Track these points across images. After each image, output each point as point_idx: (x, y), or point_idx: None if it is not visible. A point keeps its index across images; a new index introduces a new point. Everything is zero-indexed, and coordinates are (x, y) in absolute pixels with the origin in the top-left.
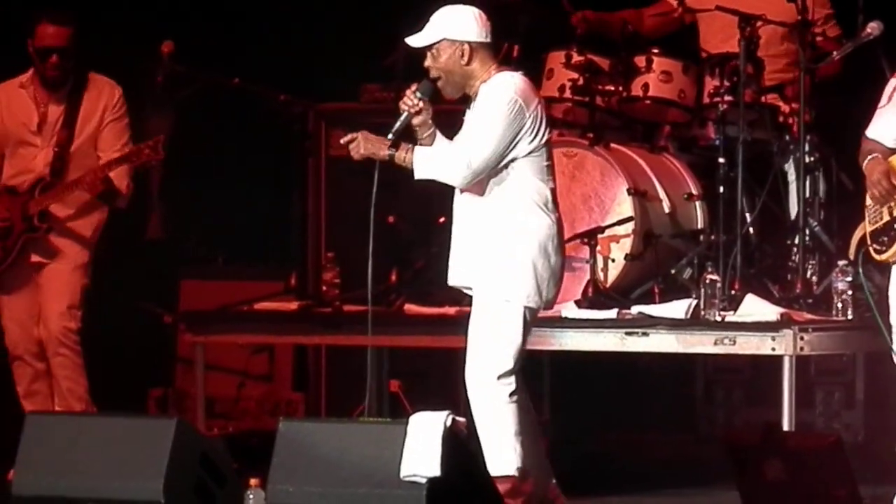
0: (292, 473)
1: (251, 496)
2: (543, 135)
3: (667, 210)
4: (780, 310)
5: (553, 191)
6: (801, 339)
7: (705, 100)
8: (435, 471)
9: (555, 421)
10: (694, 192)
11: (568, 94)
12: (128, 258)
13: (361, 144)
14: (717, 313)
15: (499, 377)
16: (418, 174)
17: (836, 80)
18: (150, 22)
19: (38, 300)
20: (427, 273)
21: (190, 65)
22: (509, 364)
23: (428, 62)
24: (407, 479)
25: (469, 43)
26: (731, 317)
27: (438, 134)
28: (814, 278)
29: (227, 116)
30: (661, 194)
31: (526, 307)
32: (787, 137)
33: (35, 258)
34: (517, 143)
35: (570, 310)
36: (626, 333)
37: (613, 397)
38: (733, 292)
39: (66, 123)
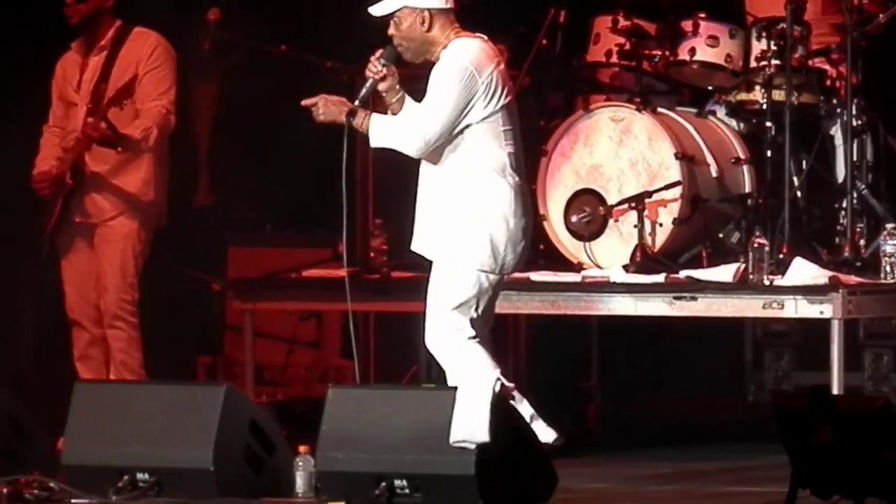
0: (341, 440)
1: (300, 463)
2: (499, 100)
3: (714, 174)
4: (829, 273)
5: (511, 155)
6: (850, 302)
7: (752, 64)
8: (484, 436)
9: (603, 386)
10: (741, 156)
11: (615, 58)
12: (175, 225)
13: (321, 109)
14: (765, 277)
15: (459, 338)
16: (373, 142)
17: (882, 42)
18: None
19: (96, 265)
20: None
21: (236, 32)
22: (466, 328)
23: (391, 30)
24: (456, 444)
25: (429, 9)
26: (779, 281)
27: (408, 99)
28: (862, 241)
29: (273, 84)
30: (709, 158)
31: (480, 271)
32: (835, 101)
33: (78, 219)
34: (470, 109)
35: (618, 274)
36: (675, 298)
37: (661, 362)
38: (781, 256)
39: (102, 78)
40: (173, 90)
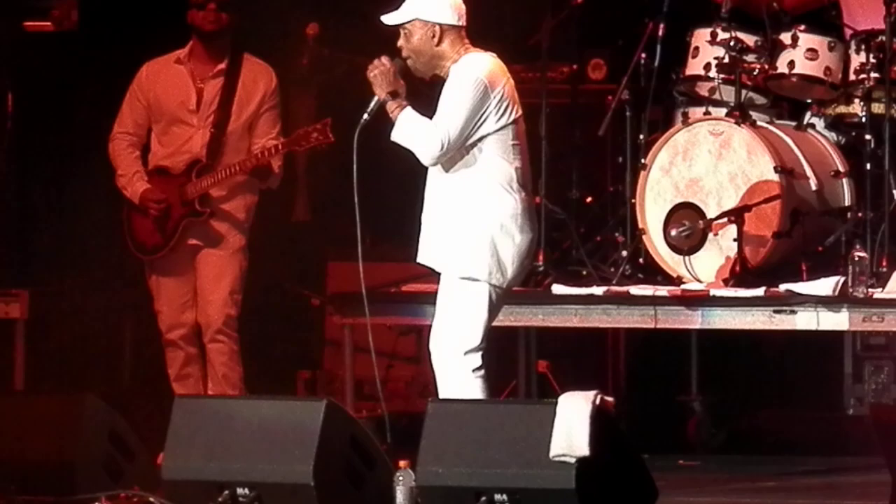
0: (441, 454)
1: (401, 478)
2: (510, 115)
3: (814, 187)
4: None
5: (518, 170)
6: None
7: (851, 77)
8: (584, 450)
9: (702, 399)
10: (841, 169)
11: (714, 72)
12: (275, 241)
13: (377, 71)
14: (865, 290)
15: (464, 353)
16: (395, 136)
17: None
18: (295, 4)
19: (194, 285)
20: (575, 253)
21: (334, 46)
22: (475, 341)
23: (400, 41)
24: (556, 458)
25: (440, 24)
26: (879, 294)
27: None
28: None
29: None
30: (808, 172)
31: (489, 284)
32: None
33: (193, 241)
34: (482, 122)
35: (717, 288)
36: (774, 311)
37: (761, 375)
38: (881, 269)
39: (223, 104)
40: (282, 127)
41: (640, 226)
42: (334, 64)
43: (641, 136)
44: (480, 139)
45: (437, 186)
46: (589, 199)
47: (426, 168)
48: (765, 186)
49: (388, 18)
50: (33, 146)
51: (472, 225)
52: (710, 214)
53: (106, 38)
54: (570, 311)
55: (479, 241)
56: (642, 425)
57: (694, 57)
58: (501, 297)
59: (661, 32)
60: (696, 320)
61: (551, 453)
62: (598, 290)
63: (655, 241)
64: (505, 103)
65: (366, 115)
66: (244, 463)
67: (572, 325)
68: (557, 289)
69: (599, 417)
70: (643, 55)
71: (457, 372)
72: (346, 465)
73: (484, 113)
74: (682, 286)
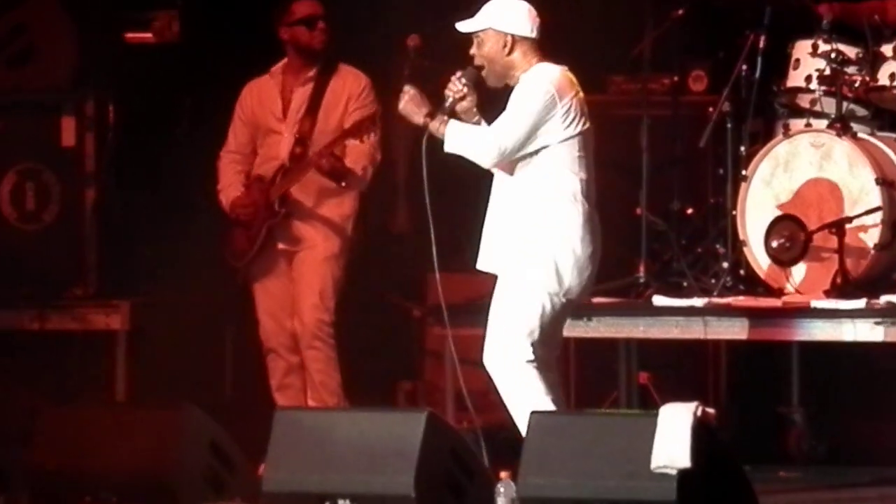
0: (542, 466)
1: (502, 489)
2: (577, 126)
3: None
4: None
5: (584, 181)
6: None
7: None
8: (685, 462)
9: (803, 411)
10: None
11: (815, 83)
12: (376, 251)
13: (405, 101)
14: None
15: (517, 353)
16: (448, 147)
17: None
18: (396, 15)
19: (291, 292)
20: (676, 264)
21: (436, 58)
22: (527, 351)
23: (473, 49)
24: (657, 470)
25: (513, 35)
26: None
27: (483, 123)
28: None
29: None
30: None
31: (544, 293)
32: None
33: (281, 245)
34: (548, 130)
35: (818, 300)
36: (875, 323)
37: (862, 386)
38: None
39: (310, 110)
40: (379, 127)
41: (741, 237)
42: (435, 75)
43: (742, 148)
44: (545, 148)
45: (502, 194)
46: (690, 211)
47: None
48: (866, 198)
49: (463, 26)
50: (135, 157)
51: (533, 233)
52: (811, 226)
53: (207, 49)
54: (671, 322)
55: (540, 249)
56: (743, 437)
57: (795, 69)
58: (562, 308)
59: (762, 44)
60: (797, 332)
61: (652, 465)
62: (698, 302)
63: (756, 253)
64: (572, 114)
65: (424, 141)
66: (345, 475)
67: (673, 337)
68: (658, 300)
69: (700, 429)
70: (744, 67)
71: (511, 368)
72: (446, 476)
73: (549, 122)
74: (783, 298)
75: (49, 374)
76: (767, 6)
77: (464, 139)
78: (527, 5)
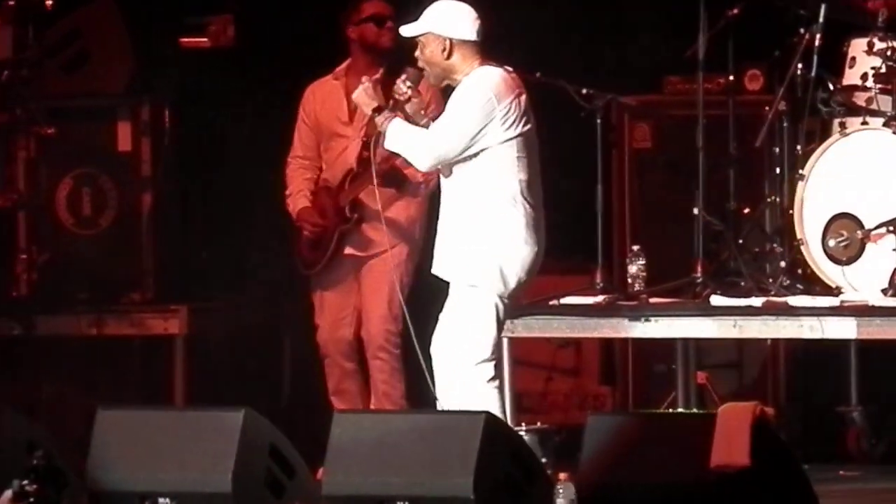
0: (601, 467)
1: (561, 490)
2: (517, 128)
3: None
4: None
5: (523, 182)
6: None
7: None
8: (744, 461)
9: (862, 409)
10: None
11: (871, 81)
12: (429, 256)
13: (359, 91)
14: None
15: (477, 364)
16: (388, 145)
17: None
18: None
19: (356, 298)
20: (733, 264)
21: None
22: (486, 352)
23: (417, 52)
24: (717, 468)
25: (451, 39)
26: None
27: (433, 125)
28: None
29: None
30: None
31: (495, 295)
32: None
33: (349, 251)
34: (485, 132)
35: (876, 298)
36: None
37: None
38: None
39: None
40: None
41: (798, 236)
42: None
43: (798, 147)
44: (484, 150)
45: (446, 198)
46: (746, 210)
47: (581, 179)
48: None
49: (406, 30)
50: (192, 162)
51: (476, 236)
52: (869, 225)
53: (263, 54)
54: (728, 322)
55: (484, 252)
56: (802, 436)
57: (850, 67)
58: (507, 309)
59: (817, 43)
60: (855, 330)
61: (712, 463)
62: (756, 301)
63: (813, 252)
64: (512, 117)
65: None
66: (404, 477)
67: (731, 336)
68: (716, 300)
69: (759, 428)
70: (800, 65)
71: (472, 383)
72: (505, 478)
73: (487, 126)
74: (841, 297)
75: (107, 378)
76: (823, 4)
77: (402, 139)
78: (467, 8)
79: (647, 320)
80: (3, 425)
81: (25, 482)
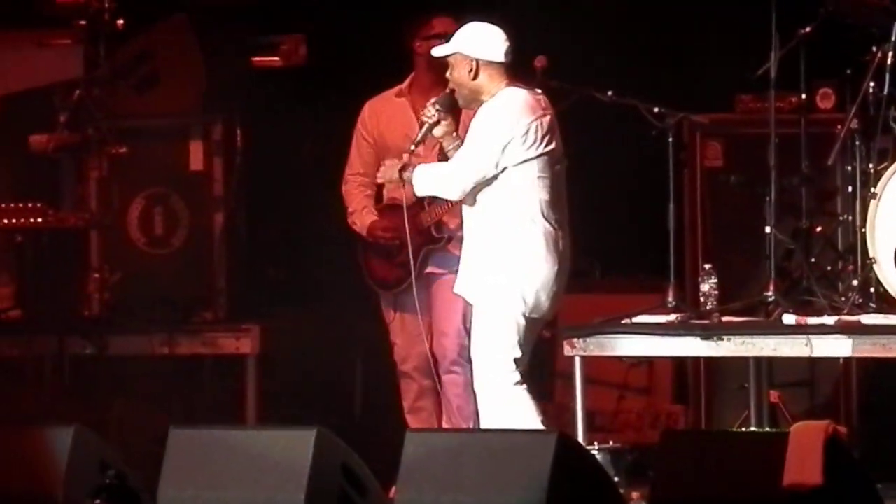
0: (674, 486)
1: None
2: (538, 148)
3: None
4: None
5: (545, 201)
6: None
7: None
8: (817, 480)
9: None
10: None
11: None
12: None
13: (380, 174)
14: None
15: (503, 376)
16: (418, 191)
17: None
18: (523, 36)
19: (430, 315)
20: (805, 282)
21: (563, 78)
22: (513, 375)
23: (447, 74)
24: (790, 488)
25: (478, 60)
26: None
27: None
28: None
29: (599, 130)
30: None
31: (514, 314)
32: None
33: (430, 269)
34: (506, 154)
35: None
36: None
37: None
38: None
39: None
40: None
41: (871, 255)
42: (562, 96)
43: (871, 165)
44: (505, 169)
45: (467, 217)
46: (819, 229)
47: (653, 198)
48: None
49: (436, 50)
50: (263, 181)
51: (495, 256)
52: None
53: (334, 72)
54: (801, 340)
55: (504, 272)
56: (875, 454)
57: None
58: (531, 327)
59: (889, 60)
60: None
61: (784, 483)
62: (829, 320)
63: (886, 270)
64: (532, 137)
65: (411, 147)
66: (476, 495)
67: (803, 355)
68: (788, 319)
69: (832, 447)
70: (871, 83)
71: (499, 390)
72: (576, 497)
73: (507, 147)
74: None
75: (179, 397)
76: (895, 22)
77: (428, 181)
78: (496, 30)
79: (719, 339)
80: (75, 444)
81: (98, 501)
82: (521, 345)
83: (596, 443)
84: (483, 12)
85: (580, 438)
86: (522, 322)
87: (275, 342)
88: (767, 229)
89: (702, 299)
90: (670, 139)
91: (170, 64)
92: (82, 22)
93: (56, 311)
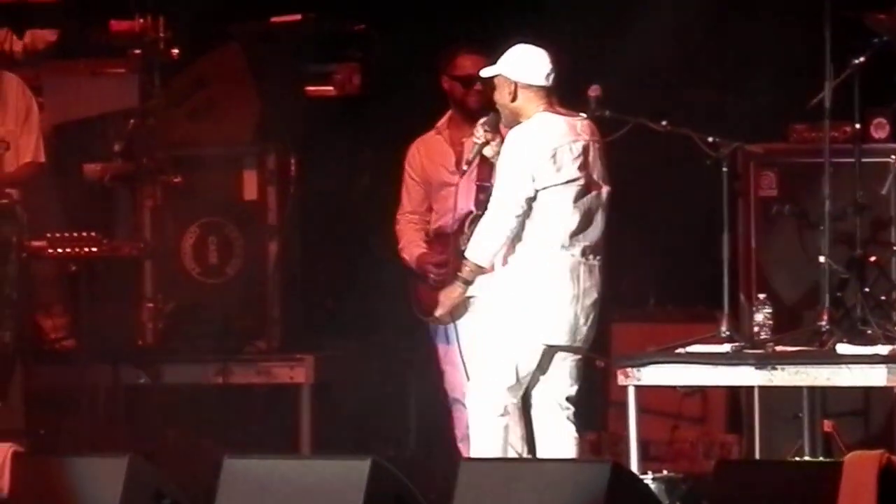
0: None
1: None
2: (565, 173)
3: None
4: None
5: (569, 229)
6: None
7: None
8: None
9: None
10: None
11: None
12: None
13: (443, 304)
14: None
15: (488, 412)
16: (480, 262)
17: None
18: (577, 65)
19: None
20: (859, 312)
21: (617, 108)
22: (499, 405)
23: (495, 94)
24: None
25: (517, 82)
26: None
27: None
28: None
29: (653, 158)
30: None
31: (523, 339)
32: None
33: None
34: (536, 178)
35: None
36: None
37: None
38: None
39: (485, 157)
40: None
41: None
42: (616, 125)
43: None
44: (530, 197)
45: None
46: (873, 258)
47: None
48: None
49: (484, 71)
50: (316, 210)
51: (511, 278)
52: None
53: (388, 102)
54: (855, 370)
55: (515, 294)
56: None
57: None
58: (540, 355)
59: None
60: None
61: None
62: (883, 350)
63: None
64: (557, 163)
65: (464, 167)
66: None
67: (858, 385)
68: (842, 348)
69: (886, 477)
70: None
71: (483, 421)
72: None
73: (536, 171)
74: None
75: (233, 427)
76: None
77: (480, 246)
78: (539, 53)
79: (773, 368)
80: (130, 474)
81: None
82: (520, 371)
83: (650, 472)
84: (538, 41)
85: (634, 468)
86: (525, 348)
87: (329, 371)
88: (821, 259)
89: (756, 329)
90: (724, 169)
91: (224, 93)
92: (137, 51)
93: (110, 340)
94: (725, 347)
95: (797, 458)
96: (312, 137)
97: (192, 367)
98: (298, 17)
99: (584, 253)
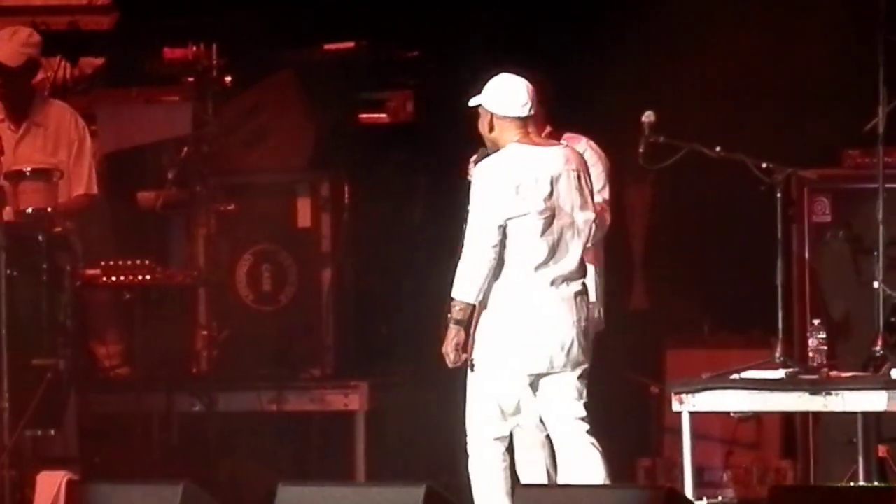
0: None
1: None
2: (525, 205)
3: None
4: None
5: (535, 257)
6: None
7: None
8: None
9: None
10: None
11: None
12: (613, 329)
13: (447, 354)
14: None
15: (474, 456)
16: (467, 300)
17: None
18: (630, 93)
19: None
20: None
21: (671, 134)
22: (482, 448)
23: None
24: None
25: (493, 114)
26: None
27: None
28: None
29: (707, 185)
30: None
31: (493, 370)
32: None
33: None
34: (496, 211)
35: None
36: None
37: None
38: None
39: None
40: (608, 188)
41: None
42: (670, 151)
43: None
44: (500, 225)
45: None
46: None
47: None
48: None
49: (472, 100)
50: (370, 237)
51: (485, 309)
52: None
53: (441, 129)
54: None
55: (483, 325)
56: None
57: None
58: (518, 385)
59: None
60: None
61: None
62: None
63: None
64: (517, 195)
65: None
66: None
67: None
68: None
69: None
70: None
71: (472, 463)
72: None
73: (494, 204)
74: None
75: (287, 454)
76: None
77: (464, 283)
78: (517, 85)
79: (827, 394)
80: (184, 501)
81: None
82: (503, 403)
83: (705, 498)
84: (591, 68)
85: (689, 494)
86: (503, 380)
87: (383, 398)
88: (875, 284)
89: (810, 354)
90: (778, 195)
91: (277, 120)
92: (191, 79)
93: (164, 368)
94: (780, 373)
95: (852, 484)
96: (365, 164)
97: (247, 394)
98: (352, 44)
99: (553, 283)
